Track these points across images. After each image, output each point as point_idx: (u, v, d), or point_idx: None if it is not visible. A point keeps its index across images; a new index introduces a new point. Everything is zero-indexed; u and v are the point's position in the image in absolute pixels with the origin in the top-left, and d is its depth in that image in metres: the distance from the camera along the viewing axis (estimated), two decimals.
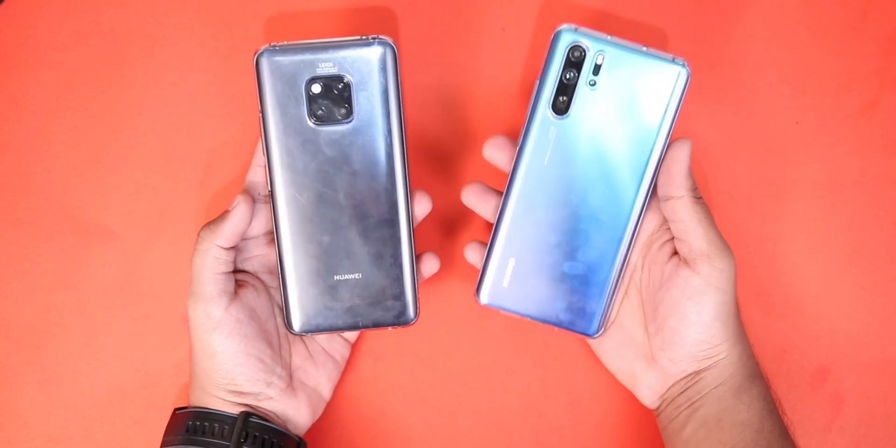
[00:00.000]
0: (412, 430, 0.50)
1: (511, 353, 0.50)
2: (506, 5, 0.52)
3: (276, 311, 0.46)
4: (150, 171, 0.51)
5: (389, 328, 0.45)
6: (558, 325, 0.45)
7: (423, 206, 0.44)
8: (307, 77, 0.41)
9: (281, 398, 0.44)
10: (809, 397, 0.50)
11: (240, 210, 0.42)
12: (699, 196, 0.42)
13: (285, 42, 0.41)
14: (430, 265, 0.46)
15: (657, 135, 0.42)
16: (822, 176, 0.52)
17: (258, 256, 0.46)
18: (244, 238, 0.44)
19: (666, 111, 0.41)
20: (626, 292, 0.46)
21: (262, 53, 0.41)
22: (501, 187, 0.44)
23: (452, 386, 0.50)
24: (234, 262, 0.44)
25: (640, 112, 0.42)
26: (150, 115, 0.51)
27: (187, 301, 0.43)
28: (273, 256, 0.46)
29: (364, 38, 0.41)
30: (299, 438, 0.45)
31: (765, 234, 0.51)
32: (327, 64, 0.41)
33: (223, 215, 0.43)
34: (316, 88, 0.41)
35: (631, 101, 0.41)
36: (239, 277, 0.44)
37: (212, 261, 0.42)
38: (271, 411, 0.44)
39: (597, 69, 0.41)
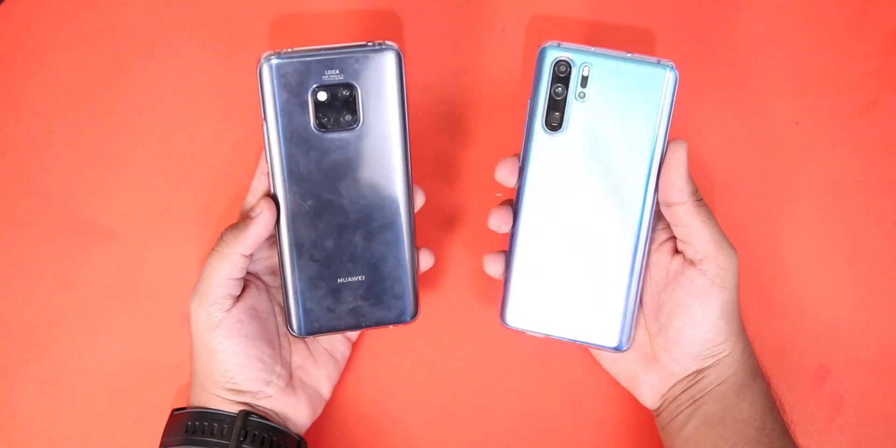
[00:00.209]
0: (412, 429, 0.50)
1: (511, 353, 0.50)
2: (506, 5, 0.52)
3: (277, 310, 0.46)
4: (150, 171, 0.51)
5: (391, 326, 0.45)
6: (585, 342, 0.44)
7: (417, 201, 0.44)
8: (313, 85, 0.41)
9: (280, 397, 0.44)
10: (809, 397, 0.50)
11: (264, 217, 0.42)
12: (700, 198, 0.42)
13: (289, 49, 0.40)
14: (426, 261, 0.46)
15: (654, 138, 0.42)
16: (822, 176, 0.52)
17: (261, 259, 0.46)
18: None
19: (659, 114, 0.41)
20: None
21: (265, 61, 0.40)
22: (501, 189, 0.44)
23: (452, 386, 0.50)
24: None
25: (633, 118, 0.42)
26: (150, 115, 0.51)
27: (191, 297, 0.43)
28: (275, 258, 0.46)
29: (370, 43, 0.41)
30: (299, 437, 0.45)
31: (765, 234, 0.51)
32: (333, 71, 0.40)
33: (246, 222, 0.42)
34: (322, 96, 0.41)
35: (623, 108, 0.41)
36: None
37: (229, 266, 0.42)
38: (271, 410, 0.44)
39: (584, 81, 0.41)
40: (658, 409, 0.46)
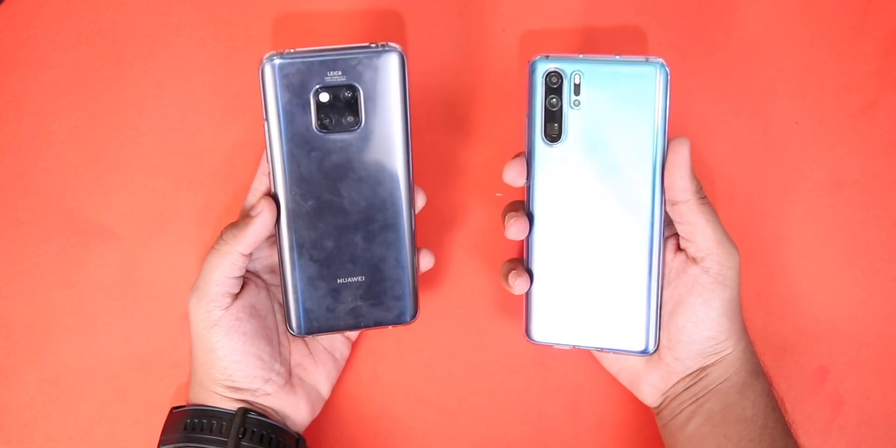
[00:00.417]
0: (412, 429, 0.50)
1: (511, 353, 0.50)
2: (506, 5, 0.52)
3: (277, 307, 0.46)
4: (150, 171, 0.51)
5: (390, 326, 0.45)
6: (612, 349, 0.44)
7: (418, 202, 0.44)
8: (315, 86, 0.40)
9: (279, 395, 0.44)
10: (809, 397, 0.50)
11: (264, 217, 0.42)
12: (704, 196, 0.42)
13: (291, 49, 0.40)
14: (426, 262, 0.46)
15: (654, 137, 0.42)
16: (822, 176, 0.52)
17: (260, 258, 0.46)
18: None
19: (655, 111, 0.41)
20: None
21: (267, 61, 0.40)
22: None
23: (452, 386, 0.50)
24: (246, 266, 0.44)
25: (631, 119, 0.42)
26: (150, 115, 0.51)
27: (189, 295, 0.43)
28: (275, 257, 0.46)
29: (373, 45, 0.41)
30: (298, 434, 0.45)
31: (765, 234, 0.51)
32: (335, 72, 0.40)
33: (246, 221, 0.42)
34: (324, 97, 0.41)
35: (619, 110, 0.42)
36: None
37: (228, 264, 0.42)
38: (270, 408, 0.44)
39: (577, 89, 0.41)
40: (659, 406, 0.46)
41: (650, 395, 0.46)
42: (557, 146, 0.42)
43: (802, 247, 0.51)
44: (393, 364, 0.50)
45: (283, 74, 0.40)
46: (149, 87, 0.51)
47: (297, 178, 0.42)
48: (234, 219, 0.46)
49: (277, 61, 0.40)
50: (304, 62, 0.40)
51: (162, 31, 0.52)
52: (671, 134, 0.42)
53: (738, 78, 0.52)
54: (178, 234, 0.51)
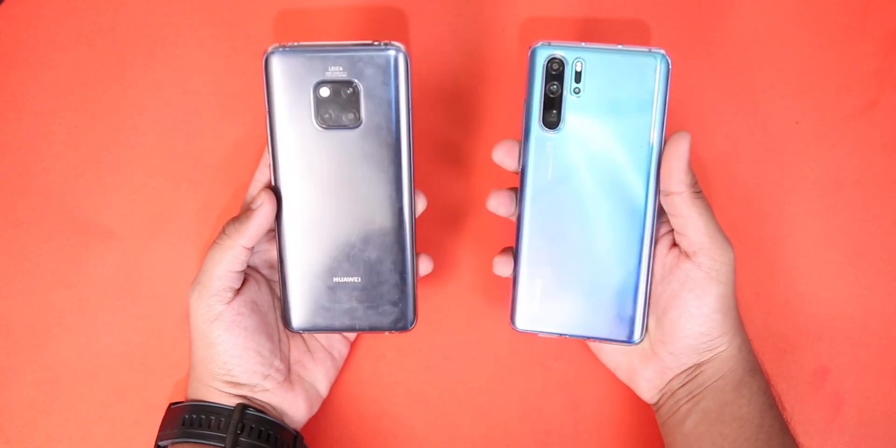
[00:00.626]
0: (412, 429, 0.50)
1: (511, 352, 0.50)
2: (506, 5, 0.52)
3: (276, 304, 0.46)
4: (150, 171, 0.51)
5: (386, 332, 0.45)
6: (597, 338, 0.44)
7: (419, 206, 0.44)
8: (316, 80, 0.40)
9: (278, 391, 0.44)
10: (809, 397, 0.50)
11: (265, 209, 0.42)
12: (699, 190, 0.42)
13: (295, 43, 0.40)
14: (424, 267, 0.46)
15: (651, 128, 0.42)
16: (822, 176, 0.52)
17: (259, 252, 0.46)
18: None
19: (654, 103, 0.41)
20: None
21: (271, 53, 0.40)
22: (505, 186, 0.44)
23: (452, 386, 0.50)
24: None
25: (630, 109, 0.41)
26: (150, 115, 0.51)
27: (190, 289, 0.43)
28: (274, 252, 0.46)
29: (377, 43, 0.40)
30: (296, 431, 0.45)
31: (765, 234, 0.51)
32: (337, 68, 0.40)
33: (248, 214, 0.42)
34: (324, 92, 0.40)
35: (618, 100, 0.41)
36: None
37: (231, 258, 0.42)
38: (268, 404, 0.44)
39: (578, 76, 0.41)
40: (657, 403, 0.46)
41: (647, 390, 0.46)
42: (554, 133, 0.42)
43: (802, 247, 0.51)
44: (393, 364, 0.50)
45: (285, 67, 0.40)
46: (149, 87, 0.51)
47: (296, 172, 0.42)
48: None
49: (280, 54, 0.40)
50: (306, 56, 0.40)
51: (162, 31, 0.52)
52: (671, 132, 0.42)
53: (738, 77, 0.52)
54: (178, 234, 0.51)
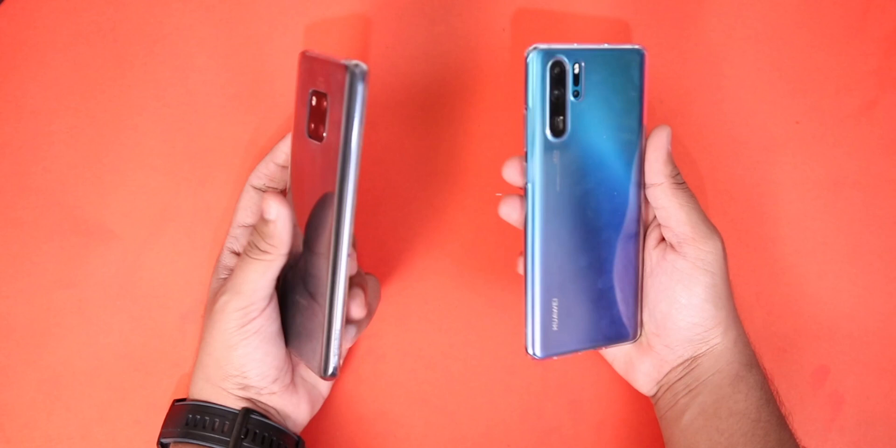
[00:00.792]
0: (412, 430, 0.50)
1: (511, 352, 0.50)
2: (506, 5, 0.52)
3: None
4: (150, 171, 0.51)
5: (322, 378, 0.42)
6: (605, 345, 0.44)
7: (356, 306, 0.42)
8: (310, 88, 0.40)
9: (283, 394, 0.44)
10: (809, 397, 0.50)
11: (283, 215, 0.41)
12: (681, 182, 0.42)
13: (315, 51, 0.40)
14: (356, 311, 0.42)
15: (639, 124, 0.42)
16: (822, 176, 0.52)
17: None
18: None
19: (641, 99, 0.41)
20: None
21: (302, 54, 0.40)
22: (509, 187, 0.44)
23: (452, 386, 0.50)
24: None
25: (621, 107, 0.41)
26: (150, 114, 0.51)
27: (222, 292, 0.42)
28: None
29: (346, 61, 0.37)
30: (297, 437, 0.45)
31: (765, 234, 0.51)
32: (319, 79, 0.39)
33: (274, 225, 0.41)
34: (313, 101, 0.40)
35: (610, 99, 0.41)
36: None
37: (275, 270, 0.42)
38: (272, 407, 0.44)
39: (577, 79, 0.40)
40: (655, 396, 0.46)
41: (644, 383, 0.46)
42: (560, 141, 0.41)
43: (802, 247, 0.51)
44: (393, 364, 0.50)
45: (303, 70, 0.40)
46: (149, 87, 0.51)
47: (295, 176, 0.42)
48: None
49: (304, 58, 0.40)
50: (307, 64, 0.40)
51: (162, 31, 0.52)
52: (670, 131, 0.42)
53: (738, 78, 0.52)
54: (178, 234, 0.51)
